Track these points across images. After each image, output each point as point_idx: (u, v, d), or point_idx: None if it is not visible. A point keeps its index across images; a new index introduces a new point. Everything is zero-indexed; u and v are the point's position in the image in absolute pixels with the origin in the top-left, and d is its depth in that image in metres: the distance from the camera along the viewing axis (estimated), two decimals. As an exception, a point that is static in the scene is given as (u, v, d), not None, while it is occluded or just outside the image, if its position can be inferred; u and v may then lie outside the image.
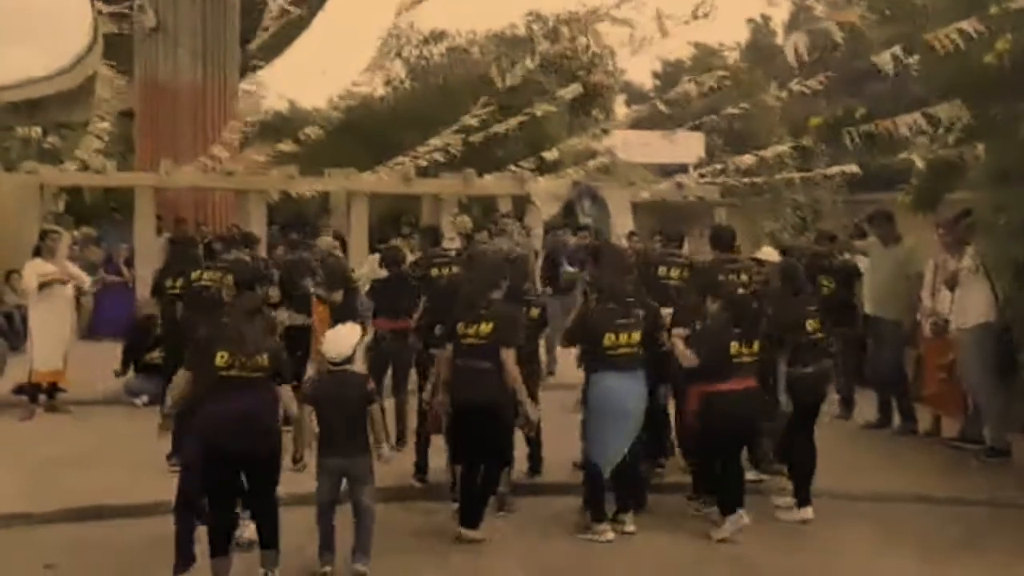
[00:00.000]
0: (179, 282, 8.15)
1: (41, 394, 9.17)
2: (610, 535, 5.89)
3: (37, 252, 9.19)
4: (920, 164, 9.39)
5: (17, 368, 9.43)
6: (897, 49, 8.68)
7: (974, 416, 7.92)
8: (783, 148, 15.52)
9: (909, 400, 8.52)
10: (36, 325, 9.11)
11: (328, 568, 5.31)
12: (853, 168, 14.66)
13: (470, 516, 5.87)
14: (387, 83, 24.19)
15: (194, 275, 7.41)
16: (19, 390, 9.31)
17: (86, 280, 9.90)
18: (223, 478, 5.08)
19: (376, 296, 8.17)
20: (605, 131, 19.26)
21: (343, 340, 5.49)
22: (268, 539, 5.19)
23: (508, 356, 5.79)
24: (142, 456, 7.34)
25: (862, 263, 9.26)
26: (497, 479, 6.06)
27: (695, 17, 11.85)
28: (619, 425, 6.00)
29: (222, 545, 5.07)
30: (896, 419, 8.61)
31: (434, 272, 7.70)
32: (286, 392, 5.29)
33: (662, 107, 14.76)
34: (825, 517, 6.32)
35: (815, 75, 13.03)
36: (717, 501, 6.15)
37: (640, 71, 43.63)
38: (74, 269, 9.62)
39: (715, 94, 18.30)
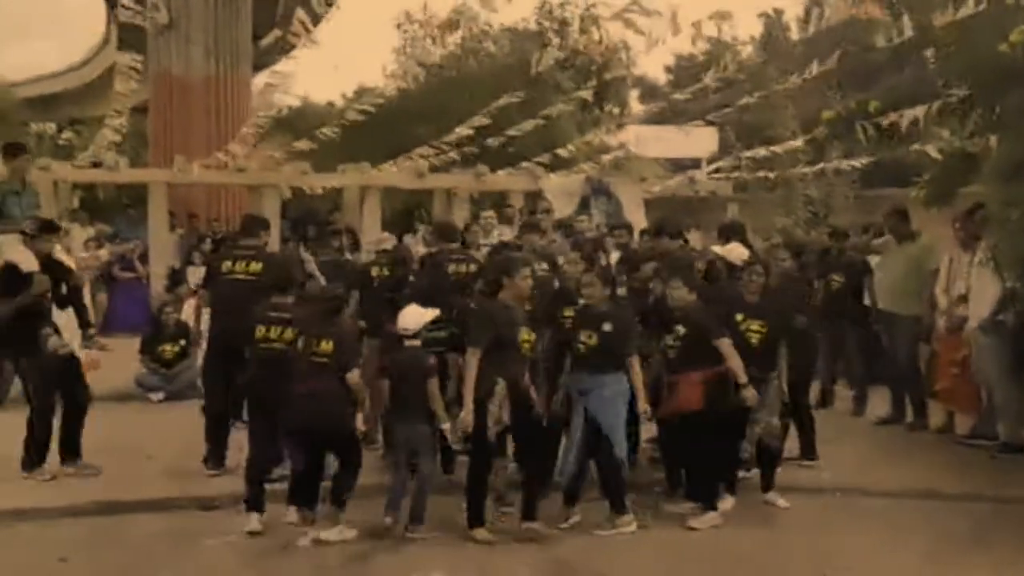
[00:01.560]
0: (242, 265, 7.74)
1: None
2: (635, 526, 5.95)
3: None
4: (934, 154, 9.32)
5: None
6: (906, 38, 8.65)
7: (987, 412, 7.87)
8: (796, 144, 15.44)
9: (922, 396, 8.49)
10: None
11: (389, 520, 5.71)
12: (856, 163, 14.59)
13: (469, 514, 5.84)
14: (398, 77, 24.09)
15: (224, 266, 7.35)
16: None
17: (102, 254, 10.09)
18: (294, 443, 5.74)
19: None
20: (620, 125, 19.17)
21: (421, 314, 5.90)
22: (335, 496, 5.69)
23: (469, 355, 5.73)
24: (154, 451, 7.43)
25: (873, 260, 9.23)
26: (477, 472, 5.85)
27: (710, 18, 11.87)
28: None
29: (302, 496, 5.72)
30: (909, 415, 8.58)
31: (450, 269, 7.24)
32: (353, 377, 5.69)
33: (680, 96, 14.66)
34: (835, 512, 6.33)
35: (827, 69, 12.99)
36: (703, 494, 6.15)
37: (653, 66, 43.36)
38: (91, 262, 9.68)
39: (729, 89, 18.22)
